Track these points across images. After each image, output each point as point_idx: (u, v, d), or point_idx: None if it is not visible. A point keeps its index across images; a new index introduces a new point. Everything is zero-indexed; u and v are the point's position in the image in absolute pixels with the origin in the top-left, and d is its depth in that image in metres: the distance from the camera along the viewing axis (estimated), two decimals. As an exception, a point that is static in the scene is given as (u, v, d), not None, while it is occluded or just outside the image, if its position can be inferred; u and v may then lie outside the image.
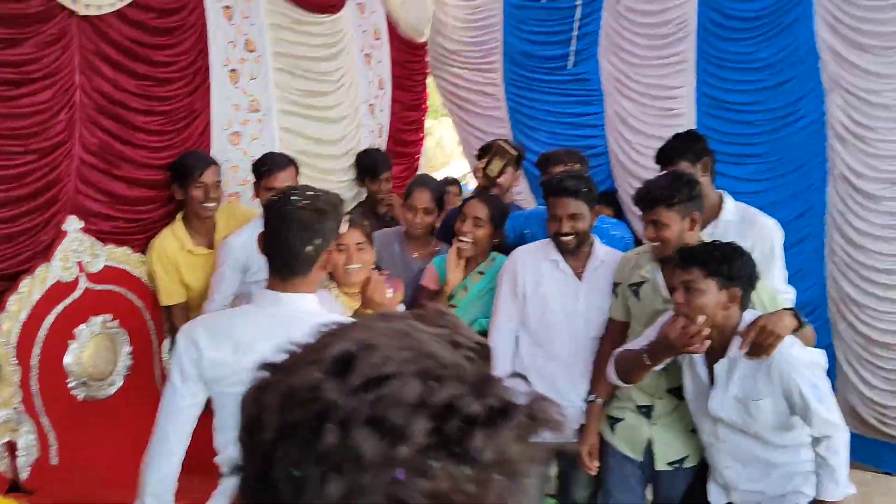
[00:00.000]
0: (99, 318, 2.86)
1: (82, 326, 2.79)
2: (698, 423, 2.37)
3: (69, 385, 2.76)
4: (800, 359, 2.16)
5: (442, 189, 3.19)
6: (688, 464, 2.50)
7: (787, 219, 3.47)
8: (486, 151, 3.27)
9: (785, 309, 2.25)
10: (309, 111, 3.91)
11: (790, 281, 2.83)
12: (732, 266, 2.15)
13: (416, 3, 4.67)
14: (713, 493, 2.40)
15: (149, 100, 3.03)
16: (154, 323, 3.07)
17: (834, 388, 3.67)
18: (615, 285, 2.59)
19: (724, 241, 2.28)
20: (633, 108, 4.19)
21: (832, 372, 3.71)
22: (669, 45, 4.05)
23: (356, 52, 4.26)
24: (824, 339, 3.65)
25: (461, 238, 2.80)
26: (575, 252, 2.63)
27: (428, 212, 3.04)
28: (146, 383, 2.99)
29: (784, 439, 2.24)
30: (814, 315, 3.62)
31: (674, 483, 2.52)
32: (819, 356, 2.27)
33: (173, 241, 3.01)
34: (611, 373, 2.43)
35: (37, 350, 2.64)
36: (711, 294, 2.15)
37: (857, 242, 3.64)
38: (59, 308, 2.72)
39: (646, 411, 2.51)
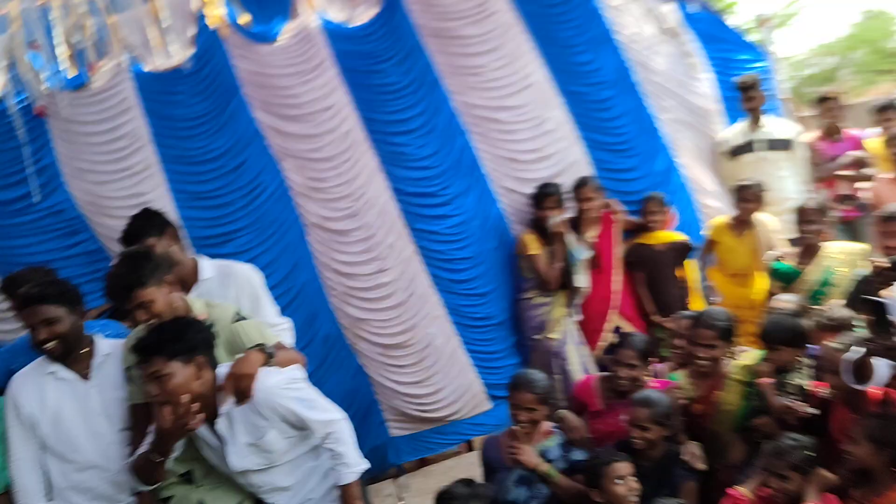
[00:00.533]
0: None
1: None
2: (241, 481, 2.48)
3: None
4: (277, 384, 2.37)
5: None
6: None
7: (284, 272, 3.84)
8: None
9: (250, 349, 2.44)
10: None
11: (299, 329, 3.11)
12: (184, 339, 2.26)
13: None
14: None
15: None
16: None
17: (377, 401, 4.19)
18: (127, 370, 2.55)
19: (210, 299, 2.43)
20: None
21: (368, 390, 4.17)
22: (130, 156, 4.21)
23: None
24: (352, 363, 4.11)
25: None
26: (71, 356, 2.52)
27: None
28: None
29: (302, 449, 2.48)
30: (338, 346, 4.05)
31: None
32: (294, 370, 2.51)
33: None
34: (134, 482, 2.43)
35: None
36: (180, 373, 2.25)
37: (344, 271, 4.20)
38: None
39: (187, 477, 2.53)
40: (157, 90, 4.19)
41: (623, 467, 2.66)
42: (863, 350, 2.55)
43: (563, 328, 4.25)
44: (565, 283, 4.25)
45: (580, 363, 4.22)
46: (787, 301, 3.50)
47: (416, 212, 4.31)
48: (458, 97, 4.45)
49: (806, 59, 17.25)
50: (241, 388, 2.33)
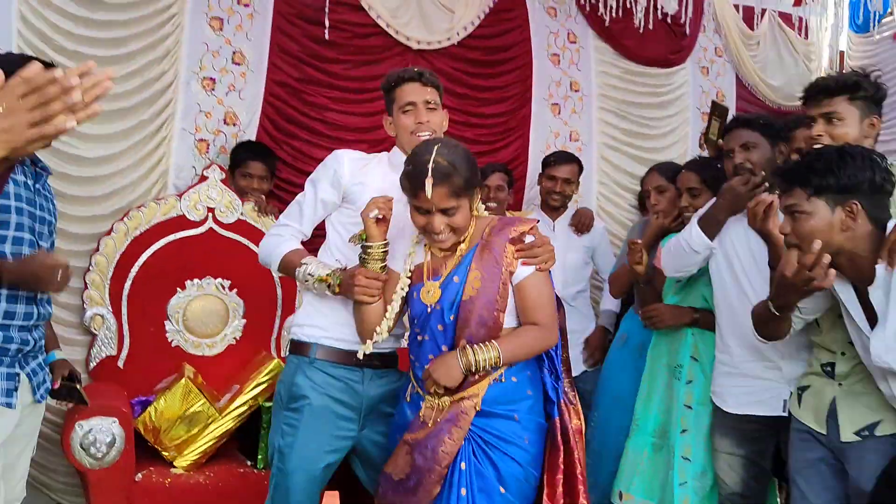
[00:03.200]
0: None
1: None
2: (880, 386, 1.93)
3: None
4: None
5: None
6: (882, 431, 1.95)
7: None
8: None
9: None
10: (629, 149, 4.45)
11: None
12: (840, 175, 1.81)
13: (783, 70, 4.87)
14: None
15: (469, 115, 4.02)
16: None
17: None
18: None
19: None
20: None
21: None
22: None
23: (691, 108, 4.62)
24: None
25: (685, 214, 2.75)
26: None
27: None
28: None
29: None
30: None
31: (863, 460, 1.95)
32: None
33: None
34: (755, 332, 2.16)
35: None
36: (821, 215, 1.84)
37: None
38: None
39: (829, 370, 2.07)
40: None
41: None
42: None
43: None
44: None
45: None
46: None
47: None
48: None
49: None
50: None
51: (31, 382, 2.14)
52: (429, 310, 2.00)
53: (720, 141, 2.69)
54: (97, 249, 3.12)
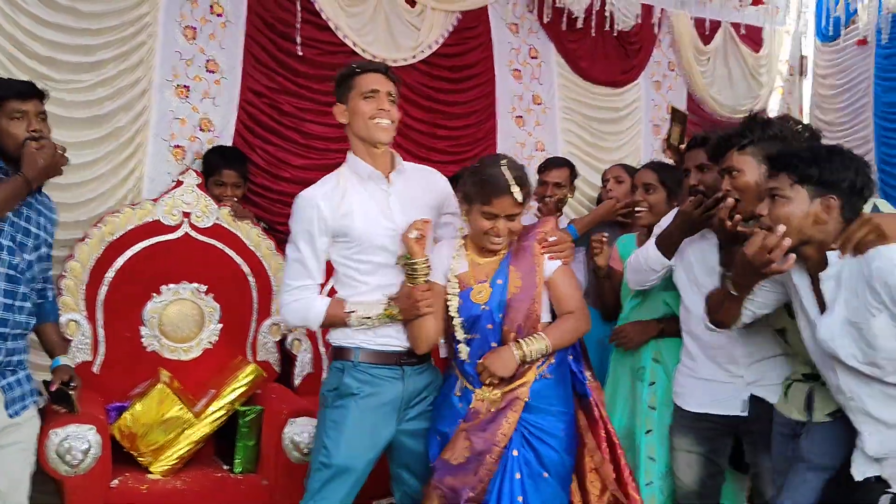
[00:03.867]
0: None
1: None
2: (824, 377, 2.02)
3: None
4: None
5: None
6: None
7: None
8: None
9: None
10: (590, 160, 4.64)
11: None
12: (825, 169, 1.85)
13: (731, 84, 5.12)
14: (857, 463, 1.93)
15: (436, 127, 4.16)
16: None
17: None
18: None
19: None
20: None
21: None
22: None
23: (644, 121, 4.86)
24: None
25: (636, 209, 2.87)
26: None
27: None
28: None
29: None
30: None
31: (825, 436, 2.06)
32: None
33: None
34: (706, 322, 2.27)
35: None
36: (799, 203, 1.88)
37: None
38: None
39: (809, 377, 2.16)
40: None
41: None
42: None
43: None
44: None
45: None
46: None
47: None
48: None
49: None
50: (861, 237, 1.81)
51: (5, 397, 2.14)
52: (481, 309, 2.22)
53: (682, 146, 2.83)
54: (72, 255, 3.10)
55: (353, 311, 2.21)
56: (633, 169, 3.24)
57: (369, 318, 2.21)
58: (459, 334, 2.24)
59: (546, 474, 2.15)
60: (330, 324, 2.27)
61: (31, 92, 2.27)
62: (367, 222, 2.23)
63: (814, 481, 2.07)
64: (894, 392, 1.87)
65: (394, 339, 2.26)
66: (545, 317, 2.26)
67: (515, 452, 2.15)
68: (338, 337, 2.30)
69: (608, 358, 2.94)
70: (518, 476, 2.13)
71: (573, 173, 3.72)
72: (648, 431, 2.66)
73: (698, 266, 2.46)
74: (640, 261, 2.58)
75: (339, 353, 2.30)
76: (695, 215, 2.38)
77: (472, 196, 2.20)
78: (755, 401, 2.37)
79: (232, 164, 3.46)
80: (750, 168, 2.19)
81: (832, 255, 1.89)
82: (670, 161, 3.32)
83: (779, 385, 2.29)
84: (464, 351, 2.24)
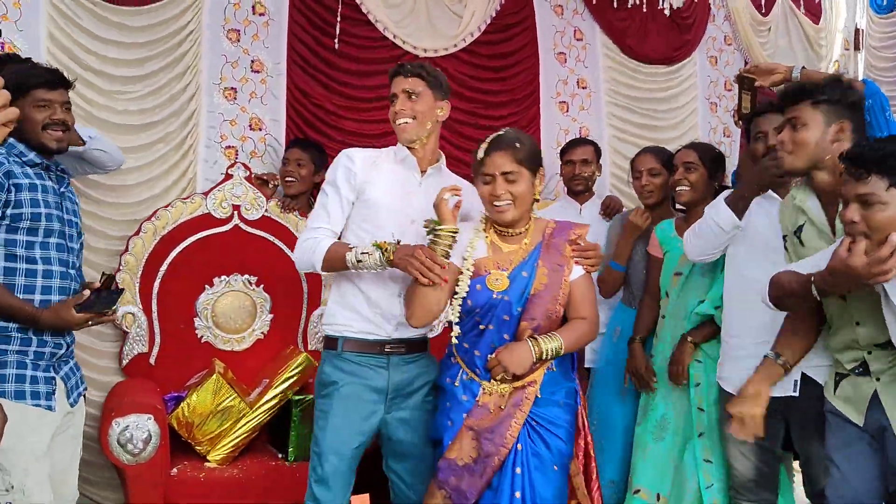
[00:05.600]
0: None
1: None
2: None
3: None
4: None
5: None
6: None
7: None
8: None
9: None
10: (640, 141, 4.39)
11: None
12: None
13: (793, 56, 4.99)
14: None
15: (479, 117, 4.16)
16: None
17: None
18: (783, 238, 2.30)
19: None
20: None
21: None
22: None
23: (700, 98, 4.82)
24: None
25: (678, 187, 2.84)
26: None
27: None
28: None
29: None
30: None
31: None
32: None
33: None
34: (765, 294, 2.13)
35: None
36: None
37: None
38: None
39: (861, 370, 2.04)
40: None
41: None
42: None
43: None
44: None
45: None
46: None
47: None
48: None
49: None
50: None
51: (66, 385, 2.24)
52: (494, 296, 2.17)
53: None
54: (126, 249, 3.25)
55: (354, 247, 2.19)
56: (667, 155, 3.16)
57: (367, 253, 2.15)
58: (454, 316, 2.21)
59: (556, 468, 2.15)
60: (330, 263, 2.23)
61: (58, 81, 2.34)
62: (387, 196, 2.29)
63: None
64: None
65: (378, 327, 2.28)
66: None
67: (520, 447, 2.13)
68: (326, 323, 2.36)
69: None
70: (518, 471, 2.11)
71: (598, 151, 3.71)
72: (700, 434, 2.64)
73: (762, 237, 2.41)
74: (707, 224, 2.51)
75: (326, 342, 2.36)
76: (774, 171, 2.31)
77: (473, 167, 2.21)
78: (804, 381, 2.27)
79: (297, 144, 3.57)
80: (816, 125, 2.11)
81: None
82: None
83: (829, 367, 2.19)
84: (470, 340, 2.22)
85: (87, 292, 2.18)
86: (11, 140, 2.19)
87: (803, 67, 2.77)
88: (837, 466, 2.05)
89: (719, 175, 2.89)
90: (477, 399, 2.17)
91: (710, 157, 2.86)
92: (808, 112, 2.11)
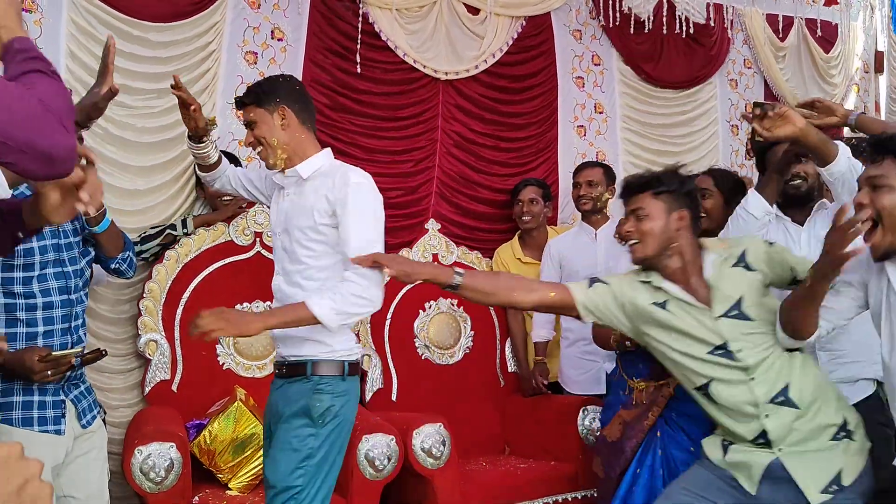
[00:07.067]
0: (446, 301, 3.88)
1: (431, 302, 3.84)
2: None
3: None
4: None
5: None
6: (847, 479, 2.01)
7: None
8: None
9: None
10: (655, 167, 4.05)
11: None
12: None
13: (804, 83, 5.11)
14: None
15: (497, 139, 4.26)
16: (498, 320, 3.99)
17: None
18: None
19: None
20: None
21: None
22: None
23: (720, 121, 4.89)
24: None
25: None
26: None
27: None
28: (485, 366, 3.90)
29: None
30: None
31: None
32: None
33: (509, 250, 3.96)
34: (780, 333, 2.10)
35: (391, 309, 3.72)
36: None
37: None
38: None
39: (762, 442, 2.09)
40: None
41: None
42: None
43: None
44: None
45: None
46: None
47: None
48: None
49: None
50: None
51: (77, 408, 2.29)
52: None
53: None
54: (150, 277, 3.30)
55: None
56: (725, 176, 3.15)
57: None
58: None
59: (692, 448, 2.48)
60: None
61: None
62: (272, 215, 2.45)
63: None
64: None
65: (279, 347, 2.36)
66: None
67: (659, 433, 2.58)
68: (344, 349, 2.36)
69: None
70: (660, 453, 2.55)
71: (608, 174, 3.77)
72: None
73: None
74: (738, 216, 2.62)
75: (327, 368, 2.35)
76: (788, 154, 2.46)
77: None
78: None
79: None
80: (659, 214, 2.22)
81: None
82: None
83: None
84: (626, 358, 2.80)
85: (70, 354, 2.18)
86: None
87: (862, 113, 2.79)
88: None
89: (737, 200, 2.83)
90: (633, 396, 2.69)
91: (728, 184, 2.89)
92: (649, 203, 2.22)
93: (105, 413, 2.48)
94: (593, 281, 2.30)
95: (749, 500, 2.10)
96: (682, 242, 2.20)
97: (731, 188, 2.89)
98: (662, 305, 2.19)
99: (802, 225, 2.69)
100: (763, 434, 2.08)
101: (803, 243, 2.63)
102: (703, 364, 2.14)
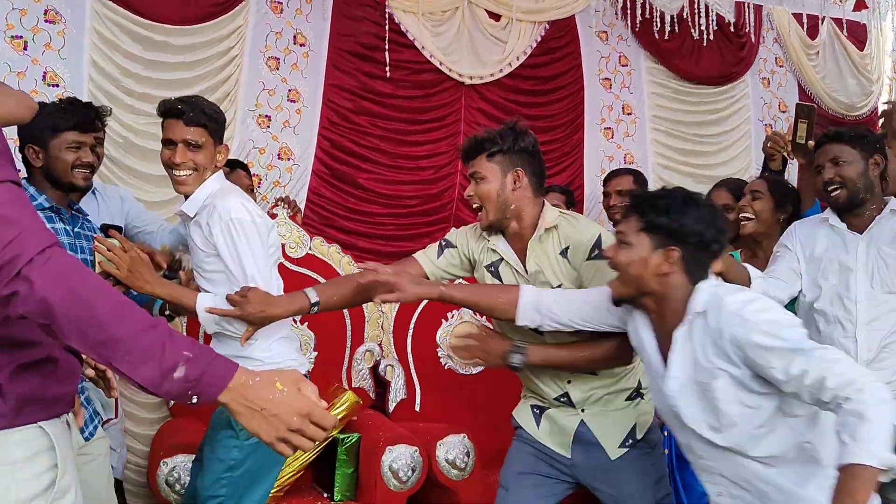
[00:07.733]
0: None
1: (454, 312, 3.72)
2: (673, 432, 1.99)
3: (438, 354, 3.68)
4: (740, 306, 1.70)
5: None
6: (640, 433, 2.17)
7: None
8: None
9: None
10: (685, 168, 4.56)
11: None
12: (671, 218, 1.79)
13: (841, 80, 5.04)
14: None
15: None
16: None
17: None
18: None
19: None
20: None
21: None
22: None
23: (753, 120, 4.83)
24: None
25: (741, 216, 2.86)
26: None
27: None
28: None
29: (768, 447, 1.73)
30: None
31: (622, 475, 2.13)
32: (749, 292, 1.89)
33: None
34: None
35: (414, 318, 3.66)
36: (641, 248, 1.80)
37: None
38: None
39: (565, 400, 2.19)
40: None
41: None
42: None
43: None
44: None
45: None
46: None
47: None
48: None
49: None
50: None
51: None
52: None
53: (810, 143, 2.69)
54: (173, 287, 3.29)
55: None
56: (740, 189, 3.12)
57: None
58: None
59: None
60: None
61: (91, 124, 2.36)
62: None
63: None
64: None
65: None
66: None
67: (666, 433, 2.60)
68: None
69: None
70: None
71: (639, 181, 3.68)
72: None
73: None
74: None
75: None
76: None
77: None
78: None
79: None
80: (494, 177, 2.14)
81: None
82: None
83: None
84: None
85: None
86: (24, 184, 2.18)
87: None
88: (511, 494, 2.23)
89: (787, 208, 2.82)
90: None
91: (780, 189, 2.86)
92: (484, 165, 2.14)
93: (103, 420, 2.47)
94: (443, 247, 2.28)
95: (567, 468, 2.21)
96: (520, 205, 2.13)
97: (784, 193, 2.86)
98: (495, 266, 2.21)
99: (861, 233, 2.44)
100: (566, 394, 2.19)
101: (860, 255, 2.41)
102: (513, 332, 2.17)
